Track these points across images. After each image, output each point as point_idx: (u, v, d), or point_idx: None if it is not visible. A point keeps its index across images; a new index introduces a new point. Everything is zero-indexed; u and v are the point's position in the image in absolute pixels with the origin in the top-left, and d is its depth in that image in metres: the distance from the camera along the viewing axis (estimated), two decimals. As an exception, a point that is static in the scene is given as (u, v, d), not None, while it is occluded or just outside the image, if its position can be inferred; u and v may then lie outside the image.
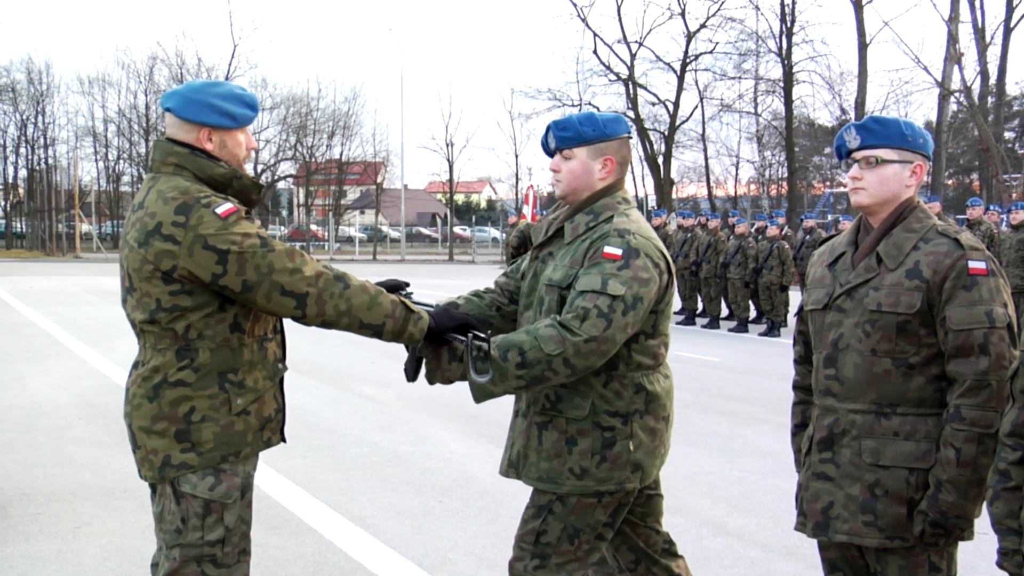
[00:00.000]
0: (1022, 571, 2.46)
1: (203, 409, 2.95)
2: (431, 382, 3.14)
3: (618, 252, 3.03)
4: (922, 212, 2.94)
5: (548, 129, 3.24)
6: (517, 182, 48.11)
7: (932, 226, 2.90)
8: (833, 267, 3.01)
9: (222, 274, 2.84)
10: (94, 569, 4.87)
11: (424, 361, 3.15)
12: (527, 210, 21.78)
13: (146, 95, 49.18)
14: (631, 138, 3.37)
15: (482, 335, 3.02)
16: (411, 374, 3.18)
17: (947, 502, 2.75)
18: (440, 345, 3.09)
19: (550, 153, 3.26)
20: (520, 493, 6.36)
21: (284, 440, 3.19)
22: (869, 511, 2.85)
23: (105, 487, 6.26)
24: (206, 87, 3.03)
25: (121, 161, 51.85)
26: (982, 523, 2.80)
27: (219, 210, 2.85)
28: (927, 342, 2.81)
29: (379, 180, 53.28)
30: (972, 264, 2.78)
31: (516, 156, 51.35)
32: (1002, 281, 2.82)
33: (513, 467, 3.26)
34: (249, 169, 3.43)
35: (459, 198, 61.71)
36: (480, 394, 3.01)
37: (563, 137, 3.19)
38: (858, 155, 2.93)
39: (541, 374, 2.94)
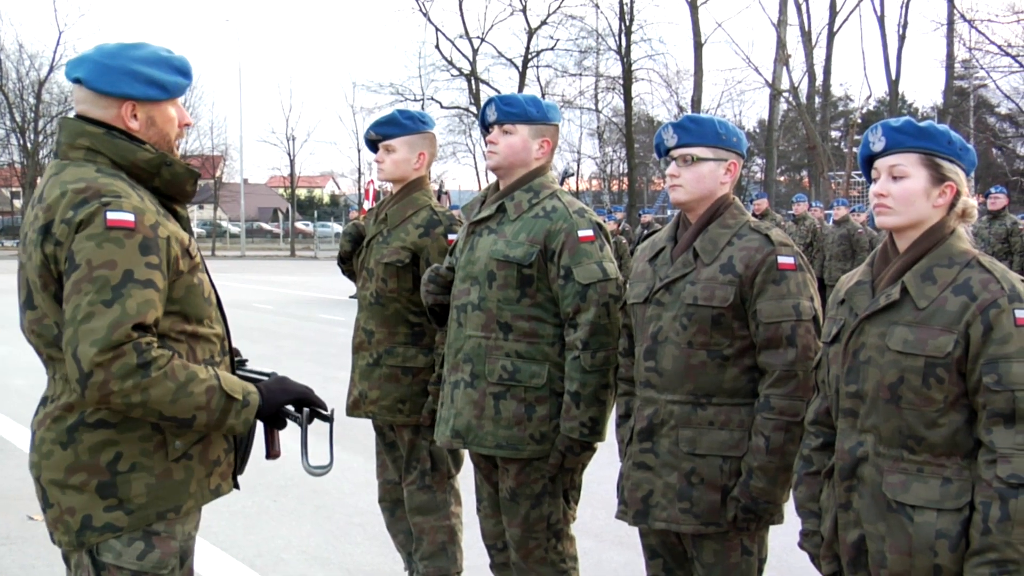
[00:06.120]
0: (819, 551, 2.59)
1: (132, 455, 2.33)
2: (269, 457, 2.62)
3: (591, 233, 3.27)
4: (736, 208, 3.04)
5: (491, 102, 3.38)
6: (360, 176, 47.61)
7: (746, 222, 3.01)
8: (653, 262, 3.09)
9: (59, 284, 2.27)
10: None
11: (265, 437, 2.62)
12: (368, 205, 21.62)
13: (-40, 82, 46.56)
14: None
15: (323, 411, 2.55)
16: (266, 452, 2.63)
17: (757, 488, 2.86)
18: (274, 423, 2.54)
19: (487, 126, 3.39)
20: (357, 491, 6.33)
21: (237, 487, 2.59)
22: (686, 499, 2.94)
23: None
24: (124, 50, 2.39)
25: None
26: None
27: (111, 216, 2.24)
28: (740, 334, 2.92)
29: (218, 174, 51.89)
30: (781, 259, 2.90)
31: (359, 151, 50.46)
32: (809, 276, 2.96)
33: (459, 437, 3.37)
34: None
35: (301, 193, 60.70)
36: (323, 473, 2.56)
37: (508, 112, 3.34)
38: (675, 153, 3.02)
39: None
